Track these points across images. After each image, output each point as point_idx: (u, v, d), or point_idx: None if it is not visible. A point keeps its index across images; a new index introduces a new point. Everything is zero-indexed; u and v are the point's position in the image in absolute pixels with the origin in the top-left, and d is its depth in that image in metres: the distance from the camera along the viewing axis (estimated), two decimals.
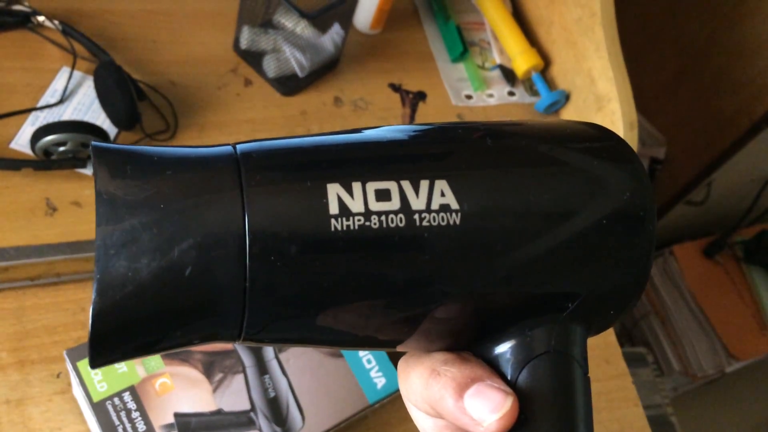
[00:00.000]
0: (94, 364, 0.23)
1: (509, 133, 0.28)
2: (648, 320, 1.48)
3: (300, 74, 0.75)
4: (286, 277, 0.23)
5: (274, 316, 0.24)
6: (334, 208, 0.23)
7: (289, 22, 0.74)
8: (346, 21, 0.75)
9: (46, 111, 0.66)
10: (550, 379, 0.26)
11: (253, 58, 0.76)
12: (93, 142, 0.24)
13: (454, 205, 0.24)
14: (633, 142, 0.77)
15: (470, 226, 0.24)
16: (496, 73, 0.88)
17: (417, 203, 0.24)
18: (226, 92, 0.74)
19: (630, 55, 0.79)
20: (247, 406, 0.54)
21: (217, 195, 0.23)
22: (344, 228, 0.23)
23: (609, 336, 0.77)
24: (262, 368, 0.56)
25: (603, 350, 0.76)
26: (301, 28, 0.73)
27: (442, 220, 0.24)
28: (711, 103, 1.33)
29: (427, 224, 0.24)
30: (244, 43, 0.76)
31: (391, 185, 0.24)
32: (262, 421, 0.54)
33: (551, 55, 0.87)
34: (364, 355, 0.59)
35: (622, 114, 0.77)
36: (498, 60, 0.88)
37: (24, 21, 0.70)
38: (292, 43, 0.74)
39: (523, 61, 0.86)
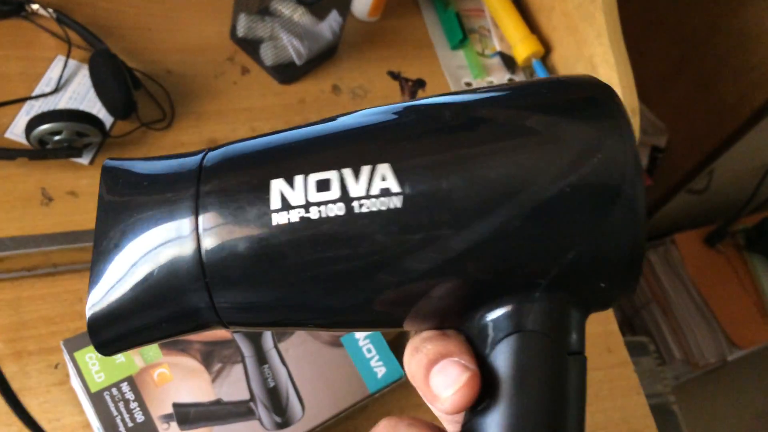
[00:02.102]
0: (103, 354, 0.27)
1: (470, 103, 0.26)
2: (649, 309, 1.48)
3: (298, 62, 0.75)
4: (240, 272, 0.25)
5: (241, 308, 0.26)
6: (275, 203, 0.24)
7: (286, 9, 0.73)
8: (344, 8, 0.75)
9: (41, 100, 0.66)
10: (518, 359, 0.25)
11: (250, 45, 0.76)
12: (105, 161, 0.28)
13: (395, 189, 0.24)
14: (635, 129, 0.76)
15: (412, 208, 0.24)
16: (496, 60, 0.87)
17: (356, 190, 0.24)
18: (223, 81, 0.74)
19: (631, 43, 0.78)
20: (246, 395, 0.54)
21: (176, 202, 0.25)
22: (286, 221, 0.24)
23: (611, 325, 0.77)
24: (262, 358, 0.56)
25: (605, 339, 0.76)
26: (299, 15, 0.72)
27: (382, 204, 0.24)
28: (712, 91, 1.33)
29: (366, 210, 0.24)
30: (240, 31, 0.75)
31: (332, 174, 0.24)
32: (262, 411, 0.54)
33: (552, 41, 0.87)
34: (365, 345, 0.59)
35: (623, 101, 0.76)
36: (498, 47, 0.87)
37: (18, 9, 0.69)
38: (290, 31, 0.73)
39: (523, 48, 0.85)
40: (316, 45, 0.75)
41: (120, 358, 0.53)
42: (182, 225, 0.25)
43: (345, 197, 0.24)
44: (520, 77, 0.87)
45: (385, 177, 0.24)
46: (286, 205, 0.24)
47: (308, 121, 0.78)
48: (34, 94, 0.66)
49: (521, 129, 0.24)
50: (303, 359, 0.56)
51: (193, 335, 0.55)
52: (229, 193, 0.25)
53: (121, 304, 0.26)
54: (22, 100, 0.65)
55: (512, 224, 0.24)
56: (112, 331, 0.26)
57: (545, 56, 0.87)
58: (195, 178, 0.26)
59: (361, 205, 0.24)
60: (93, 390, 0.51)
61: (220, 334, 0.56)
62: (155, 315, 0.26)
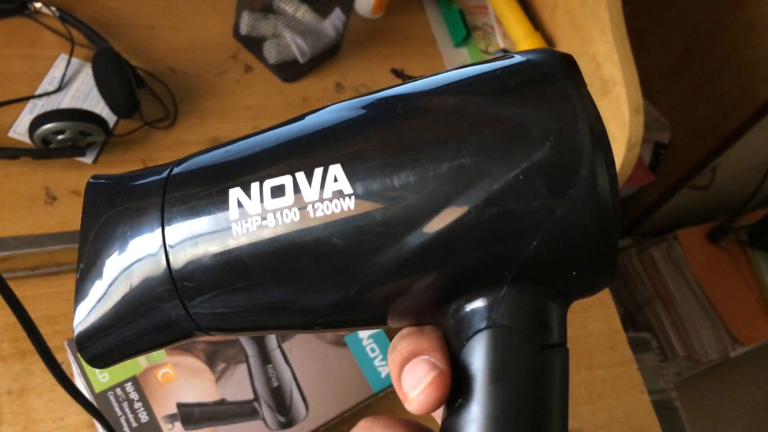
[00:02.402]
0: (95, 366, 0.28)
1: (421, 93, 0.24)
2: (652, 305, 1.48)
3: (301, 60, 0.74)
4: (209, 282, 0.25)
5: (215, 315, 0.26)
6: (233, 214, 0.24)
7: (290, 6, 0.73)
8: (348, 5, 0.74)
9: (44, 99, 0.65)
10: (489, 356, 0.24)
11: (254, 44, 0.75)
12: (89, 179, 0.29)
13: (347, 190, 0.23)
14: (639, 126, 0.76)
15: (365, 209, 0.23)
16: None
17: (310, 194, 0.23)
18: (226, 79, 0.74)
19: (634, 38, 0.78)
20: (250, 395, 0.54)
21: (143, 217, 0.26)
22: (245, 231, 0.24)
23: (614, 323, 0.77)
24: (265, 358, 0.56)
25: (608, 337, 0.76)
26: (302, 13, 0.72)
27: (336, 207, 0.23)
28: (716, 87, 1.32)
29: (321, 214, 0.23)
30: (243, 29, 0.75)
31: (286, 180, 0.24)
32: (266, 411, 0.54)
33: (556, 38, 0.86)
34: (368, 344, 0.59)
35: (627, 98, 0.76)
36: (501, 44, 0.87)
37: (21, 8, 0.69)
38: (293, 29, 0.73)
39: (526, 45, 0.85)
40: (319, 43, 0.75)
41: None
42: (150, 239, 0.25)
43: (299, 202, 0.23)
44: None
45: (337, 178, 0.23)
46: (244, 214, 0.24)
47: None
48: (37, 93, 0.66)
49: (469, 118, 0.23)
50: (307, 359, 0.56)
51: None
52: (191, 205, 0.25)
53: (104, 320, 0.26)
54: (26, 99, 0.65)
55: (468, 218, 0.23)
56: (100, 346, 0.27)
57: None
58: (161, 192, 0.26)
59: (315, 210, 0.23)
60: (97, 390, 0.51)
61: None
62: (137, 328, 0.26)
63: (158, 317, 0.26)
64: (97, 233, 0.27)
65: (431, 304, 0.25)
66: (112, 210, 0.27)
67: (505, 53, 0.27)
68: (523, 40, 0.85)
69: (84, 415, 0.56)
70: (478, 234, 0.23)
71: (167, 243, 0.25)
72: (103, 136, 0.63)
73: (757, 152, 1.41)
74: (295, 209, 0.23)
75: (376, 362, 0.58)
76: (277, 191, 0.24)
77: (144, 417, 0.51)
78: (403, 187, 0.23)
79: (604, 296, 0.78)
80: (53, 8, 0.69)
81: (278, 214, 0.23)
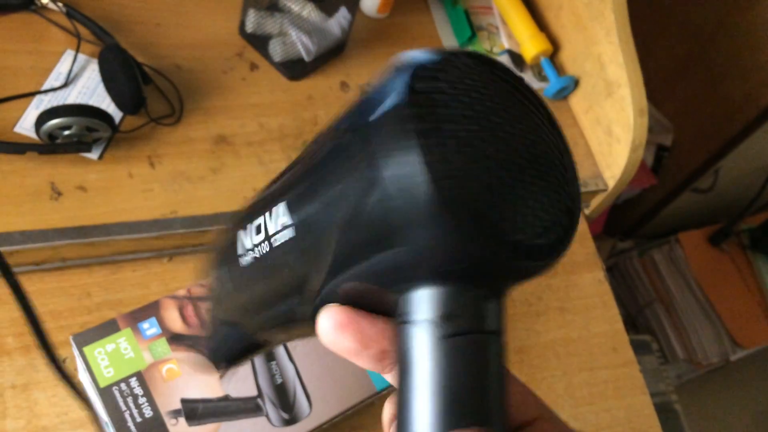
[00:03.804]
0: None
1: (326, 131, 0.27)
2: (653, 308, 1.48)
3: (306, 58, 0.75)
4: (226, 301, 0.34)
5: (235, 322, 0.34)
6: (239, 249, 0.31)
7: (296, 5, 0.73)
8: (353, 4, 0.74)
9: (50, 94, 0.66)
10: (402, 351, 0.25)
11: (259, 41, 0.75)
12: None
13: (288, 221, 0.28)
14: (643, 128, 0.76)
15: (301, 234, 0.27)
16: (505, 58, 0.87)
17: (271, 228, 0.29)
18: (231, 76, 0.74)
19: (638, 40, 0.78)
20: (254, 392, 0.54)
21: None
22: (246, 263, 0.31)
23: (617, 324, 0.77)
24: (270, 354, 0.56)
25: (610, 338, 0.76)
26: (308, 11, 0.72)
27: (285, 236, 0.28)
28: (719, 89, 1.32)
29: (279, 243, 0.28)
30: (249, 27, 0.75)
31: (260, 220, 0.29)
32: (269, 408, 0.54)
33: (560, 40, 0.86)
34: None
35: (632, 100, 0.76)
36: (506, 45, 0.87)
37: (27, 3, 0.69)
38: (299, 27, 0.73)
39: (531, 45, 0.85)
40: (325, 41, 0.75)
41: (129, 353, 0.53)
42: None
43: (267, 236, 0.29)
44: (528, 75, 0.86)
45: (282, 213, 0.28)
46: (244, 249, 0.31)
47: (316, 118, 0.78)
48: (43, 88, 0.66)
49: (340, 151, 0.25)
50: (310, 356, 0.56)
51: (202, 331, 0.55)
52: (219, 246, 0.34)
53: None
54: (32, 94, 0.65)
55: (350, 242, 0.25)
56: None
57: (553, 54, 0.87)
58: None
59: (275, 241, 0.28)
60: (102, 385, 0.51)
61: None
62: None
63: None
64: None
65: (375, 304, 0.27)
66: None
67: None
68: (527, 40, 0.85)
69: (87, 410, 0.56)
70: (363, 254, 0.25)
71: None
72: (109, 132, 0.63)
73: (759, 156, 1.41)
74: (266, 242, 0.29)
75: None
76: (257, 229, 0.30)
77: (148, 412, 0.51)
78: (312, 216, 0.27)
79: (607, 298, 0.78)
80: (60, 4, 0.69)
81: (258, 248, 0.30)
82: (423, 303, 0.25)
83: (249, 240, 0.30)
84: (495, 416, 0.24)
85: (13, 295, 0.33)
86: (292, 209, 0.28)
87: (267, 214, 0.29)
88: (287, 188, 0.28)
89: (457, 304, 0.24)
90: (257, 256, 0.29)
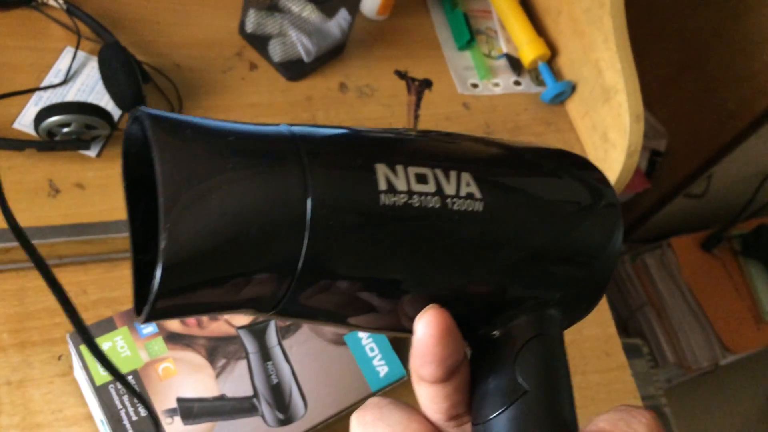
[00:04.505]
0: (149, 318, 0.25)
1: (513, 146, 0.32)
2: (644, 312, 1.49)
3: (306, 59, 0.75)
4: (339, 243, 0.26)
5: (322, 274, 0.26)
6: (383, 185, 0.26)
7: (296, 5, 0.73)
8: (354, 6, 0.75)
9: (49, 91, 0.66)
10: (546, 358, 0.29)
11: (259, 41, 0.76)
12: (142, 108, 0.25)
13: (478, 195, 0.28)
14: (639, 134, 0.77)
15: (490, 214, 0.28)
16: (503, 62, 0.87)
17: (449, 189, 0.27)
18: (231, 76, 0.74)
19: (634, 46, 0.78)
20: (249, 392, 0.54)
21: (282, 164, 0.25)
22: (391, 203, 0.26)
23: (609, 328, 0.77)
24: (265, 354, 0.56)
25: (603, 342, 0.76)
26: (308, 12, 0.72)
27: (468, 206, 0.27)
28: (713, 96, 1.33)
29: (457, 208, 0.27)
30: (249, 27, 0.75)
31: (427, 171, 0.27)
32: (265, 408, 0.54)
33: (558, 45, 0.87)
34: (367, 344, 0.59)
35: (628, 106, 0.77)
36: (504, 49, 0.87)
37: None
38: (299, 28, 0.74)
39: (529, 50, 0.85)
40: (325, 42, 0.75)
41: (125, 351, 0.53)
42: (289, 188, 0.25)
43: (440, 193, 0.27)
44: (525, 80, 0.87)
45: (469, 183, 0.28)
46: (392, 189, 0.26)
47: (315, 119, 0.78)
48: (42, 85, 0.66)
49: (562, 176, 0.31)
50: (306, 357, 0.57)
51: (199, 330, 0.55)
52: (336, 165, 0.26)
53: (204, 261, 0.24)
54: (31, 90, 0.65)
55: (555, 242, 0.30)
56: (182, 293, 0.24)
57: (551, 59, 0.87)
58: (293, 145, 0.26)
59: (453, 203, 0.27)
60: (98, 383, 0.51)
61: (225, 329, 0.56)
62: (230, 280, 0.25)
63: (261, 268, 0.25)
64: (201, 163, 0.24)
65: (505, 302, 0.30)
66: (227, 145, 0.25)
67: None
68: (525, 45, 0.86)
69: (82, 408, 0.56)
70: (556, 257, 0.30)
71: (310, 191, 0.25)
72: (108, 130, 0.63)
73: (752, 162, 1.42)
74: (437, 198, 0.27)
75: (375, 362, 0.59)
76: (421, 178, 0.27)
77: (144, 411, 0.51)
78: (519, 207, 0.29)
79: (600, 301, 0.79)
80: (60, 1, 0.69)
81: (423, 197, 0.27)
82: (557, 323, 0.30)
83: (402, 182, 0.27)
84: None
85: (48, 285, 0.31)
86: (482, 186, 0.28)
87: (438, 171, 0.27)
88: (470, 163, 0.29)
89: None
90: (415, 204, 0.26)
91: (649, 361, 1.39)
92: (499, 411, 0.28)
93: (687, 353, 1.42)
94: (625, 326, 1.52)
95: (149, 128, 0.24)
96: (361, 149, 0.27)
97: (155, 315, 0.25)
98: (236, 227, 0.24)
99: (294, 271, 0.25)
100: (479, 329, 0.30)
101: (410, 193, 0.26)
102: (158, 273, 0.23)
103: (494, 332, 0.30)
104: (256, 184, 0.24)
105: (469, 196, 0.27)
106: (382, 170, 0.26)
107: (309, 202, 0.25)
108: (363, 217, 0.26)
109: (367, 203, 0.26)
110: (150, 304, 0.24)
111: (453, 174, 0.28)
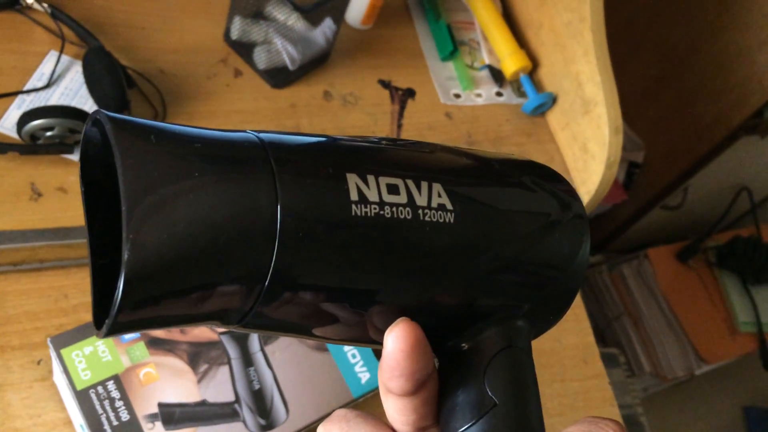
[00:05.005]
0: (111, 332, 0.24)
1: (484, 157, 0.32)
2: (621, 322, 1.51)
3: (291, 67, 0.75)
4: (308, 253, 0.25)
5: (291, 286, 0.25)
6: (354, 195, 0.26)
7: (281, 14, 0.73)
8: (339, 15, 0.75)
9: (32, 95, 0.65)
10: (515, 370, 0.29)
11: (244, 49, 0.76)
12: (102, 111, 0.24)
13: (449, 206, 0.28)
14: (618, 146, 0.78)
15: (462, 225, 0.28)
16: (485, 73, 0.88)
17: (420, 200, 0.27)
18: (215, 82, 0.74)
19: (613, 59, 0.80)
20: (231, 397, 0.54)
21: (251, 172, 0.24)
22: (362, 213, 0.26)
23: (588, 337, 0.78)
24: (248, 360, 0.56)
25: (581, 351, 0.77)
26: (293, 20, 0.73)
27: (440, 217, 0.27)
28: (690, 110, 1.36)
29: (429, 219, 0.27)
30: (235, 34, 0.76)
31: (398, 182, 0.27)
32: (246, 413, 0.54)
33: (540, 57, 0.88)
34: (349, 350, 0.59)
35: (608, 119, 0.78)
36: (487, 60, 0.88)
37: (12, 2, 0.68)
38: (284, 36, 0.74)
39: (511, 62, 0.86)
40: (309, 51, 0.76)
41: (107, 356, 0.53)
42: (258, 196, 0.24)
43: (412, 204, 0.27)
44: (507, 91, 0.88)
45: (440, 194, 0.28)
46: (364, 199, 0.26)
47: (299, 126, 0.78)
48: (25, 88, 0.65)
49: (531, 188, 0.32)
50: (289, 363, 0.57)
51: (181, 335, 0.55)
52: (306, 174, 0.25)
53: (170, 272, 0.23)
54: (14, 93, 0.64)
55: (525, 252, 0.30)
56: (145, 305, 0.23)
57: (533, 71, 0.89)
58: (262, 152, 0.25)
59: (425, 214, 0.27)
60: (79, 387, 0.51)
61: (207, 335, 0.56)
62: (197, 290, 0.24)
63: (229, 279, 0.24)
64: (166, 170, 0.23)
65: (472, 314, 0.30)
66: (193, 152, 0.24)
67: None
68: (507, 57, 0.87)
69: (61, 413, 0.55)
70: (526, 268, 0.30)
71: (279, 198, 0.24)
72: None
73: (728, 175, 1.44)
74: (409, 209, 0.27)
75: (357, 368, 0.59)
76: (393, 189, 0.27)
77: (125, 416, 0.51)
78: (489, 218, 0.29)
79: (579, 311, 0.80)
80: (45, 4, 0.69)
81: (394, 208, 0.26)
82: (527, 334, 0.31)
83: (374, 193, 0.26)
84: None
85: None
86: (453, 197, 0.28)
87: (409, 182, 0.27)
88: (440, 173, 0.28)
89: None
90: (387, 216, 0.26)
91: (625, 370, 1.41)
92: (469, 424, 0.28)
93: (663, 363, 1.44)
94: (602, 336, 1.54)
95: (111, 132, 0.23)
96: (332, 158, 0.27)
97: (117, 329, 0.24)
98: (203, 236, 0.23)
99: (263, 281, 0.24)
100: (448, 341, 0.30)
101: (382, 204, 0.26)
102: (120, 285, 0.22)
103: (463, 344, 0.30)
104: (224, 191, 0.24)
105: (441, 207, 0.27)
106: (353, 180, 0.26)
107: (278, 210, 0.24)
108: (334, 227, 0.25)
109: (338, 213, 0.25)
110: (112, 318, 0.23)
111: (424, 185, 0.27)
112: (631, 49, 1.40)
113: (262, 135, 0.26)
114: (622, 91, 0.80)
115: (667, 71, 1.37)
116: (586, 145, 0.82)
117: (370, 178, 0.26)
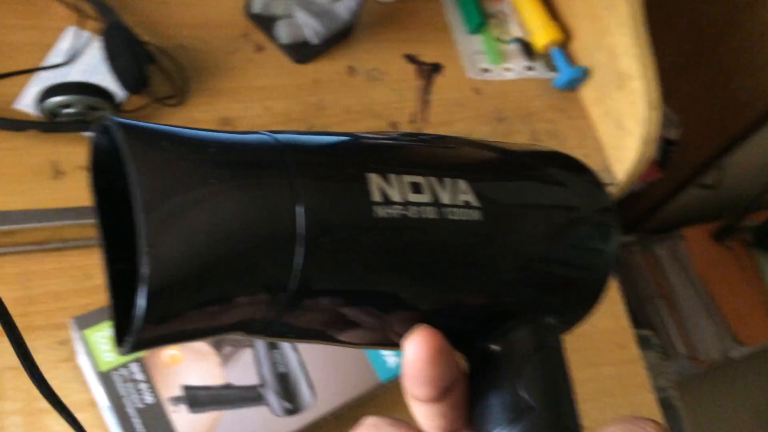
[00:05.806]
0: (133, 350, 0.23)
1: (508, 150, 0.31)
2: (654, 303, 1.47)
3: (313, 41, 0.73)
4: (331, 258, 0.24)
5: (315, 293, 0.24)
6: (376, 197, 0.25)
7: None
8: None
9: (51, 71, 0.64)
10: (549, 372, 0.29)
11: (266, 23, 0.74)
12: (112, 118, 0.23)
13: (475, 203, 0.27)
14: (656, 122, 0.75)
15: (488, 222, 0.27)
16: (515, 47, 0.85)
17: (445, 198, 0.26)
18: (237, 58, 0.72)
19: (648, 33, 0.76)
20: (255, 380, 0.53)
21: (269, 176, 0.23)
22: (386, 215, 0.25)
23: (622, 320, 0.76)
24: (273, 343, 0.55)
25: (617, 334, 0.75)
26: None
27: (466, 215, 0.26)
28: (727, 85, 1.31)
29: (455, 218, 0.26)
30: (256, 7, 0.74)
31: (422, 180, 0.26)
32: (271, 397, 0.53)
33: (572, 29, 0.85)
34: None
35: (644, 93, 0.75)
36: (517, 33, 0.85)
37: None
38: (306, 9, 0.72)
39: (542, 35, 0.83)
40: (333, 24, 0.74)
41: None
42: (278, 202, 0.23)
43: (437, 203, 0.26)
44: (538, 65, 0.85)
45: (465, 191, 0.27)
46: (387, 200, 0.25)
47: (323, 102, 0.76)
48: (44, 65, 0.64)
49: (560, 181, 0.31)
50: (314, 346, 0.55)
51: None
52: (324, 176, 0.25)
53: (192, 284, 0.22)
54: (33, 70, 0.63)
55: (556, 248, 0.29)
56: (166, 322, 0.23)
57: (565, 44, 0.86)
58: (278, 154, 0.24)
59: (451, 213, 0.26)
60: (102, 369, 0.50)
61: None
62: (221, 301, 0.23)
63: (252, 289, 0.24)
64: (181, 178, 0.22)
65: (502, 316, 0.29)
66: (208, 157, 0.23)
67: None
68: (538, 29, 0.84)
69: (86, 394, 0.55)
70: (555, 265, 0.29)
71: (298, 204, 0.23)
72: (112, 112, 0.61)
73: (765, 153, 1.40)
74: (434, 208, 0.26)
75: (384, 352, 0.57)
76: (416, 187, 0.26)
77: (149, 398, 0.50)
78: (518, 214, 0.28)
79: (613, 293, 0.77)
80: None
81: (420, 208, 0.25)
82: (558, 334, 0.30)
83: (396, 192, 0.25)
84: None
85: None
86: (480, 193, 0.27)
87: (432, 179, 0.26)
88: (463, 169, 0.28)
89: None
90: (413, 217, 0.25)
91: (659, 352, 1.38)
92: (505, 428, 0.27)
93: (698, 345, 1.41)
94: (634, 317, 1.51)
95: (123, 140, 0.22)
96: (352, 158, 0.26)
97: (140, 345, 0.23)
98: (224, 246, 0.22)
99: (287, 288, 0.24)
100: (476, 342, 0.29)
101: (406, 203, 0.25)
102: (142, 302, 0.21)
103: (492, 345, 0.29)
104: (243, 198, 0.23)
105: (467, 204, 0.26)
106: (374, 180, 0.25)
107: (303, 215, 0.23)
108: (358, 230, 0.25)
109: (362, 216, 0.25)
110: (134, 335, 0.22)
111: (448, 181, 0.26)
112: (666, 23, 1.35)
113: (278, 136, 0.25)
114: (657, 66, 0.77)
115: (703, 46, 1.33)
116: (621, 121, 0.79)
117: (392, 177, 0.25)
